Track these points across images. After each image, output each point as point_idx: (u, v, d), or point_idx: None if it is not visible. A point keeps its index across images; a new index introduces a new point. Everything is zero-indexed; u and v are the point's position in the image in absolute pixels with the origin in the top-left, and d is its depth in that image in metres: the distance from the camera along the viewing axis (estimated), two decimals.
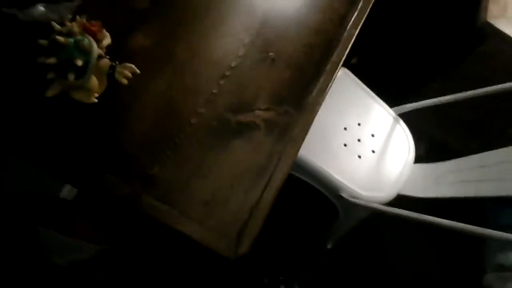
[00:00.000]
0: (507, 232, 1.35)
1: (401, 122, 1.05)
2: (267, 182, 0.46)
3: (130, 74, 0.41)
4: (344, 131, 0.98)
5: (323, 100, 0.54)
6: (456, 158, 0.92)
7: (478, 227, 0.69)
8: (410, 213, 0.81)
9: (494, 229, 1.42)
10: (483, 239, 1.31)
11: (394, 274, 1.24)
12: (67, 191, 1.02)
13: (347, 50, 0.59)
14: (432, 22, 1.11)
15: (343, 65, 1.16)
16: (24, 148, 0.44)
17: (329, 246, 1.18)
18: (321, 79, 0.55)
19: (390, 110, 1.06)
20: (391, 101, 1.08)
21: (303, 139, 0.51)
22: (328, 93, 0.99)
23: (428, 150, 1.36)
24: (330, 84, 0.57)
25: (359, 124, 1.01)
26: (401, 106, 1.05)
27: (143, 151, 0.44)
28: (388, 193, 0.94)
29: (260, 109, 0.50)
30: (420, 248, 1.30)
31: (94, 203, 0.92)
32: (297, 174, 0.94)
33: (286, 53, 0.56)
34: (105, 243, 0.85)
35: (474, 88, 0.90)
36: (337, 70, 0.57)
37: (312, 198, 1.06)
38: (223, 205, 0.43)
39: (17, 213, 0.78)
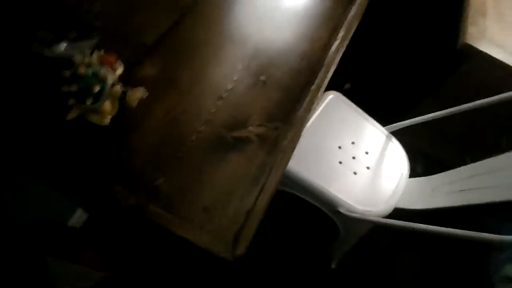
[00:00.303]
0: (510, 248, 1.35)
1: (394, 139, 1.10)
2: (260, 189, 0.51)
3: (139, 97, 0.48)
4: (339, 149, 1.03)
5: (309, 116, 0.60)
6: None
7: (478, 232, 0.71)
8: (407, 224, 0.83)
9: (496, 246, 1.41)
10: (488, 252, 1.30)
11: None
12: (76, 219, 1.07)
13: (330, 73, 0.66)
14: (416, 47, 1.19)
15: (337, 90, 1.24)
16: (43, 166, 0.50)
17: (333, 266, 1.19)
18: (307, 99, 0.61)
19: (383, 129, 1.11)
20: (384, 121, 1.14)
21: (292, 151, 0.56)
22: (322, 116, 1.06)
23: (425, 168, 1.39)
24: (315, 102, 0.64)
25: (353, 143, 1.06)
26: (393, 125, 1.11)
27: (149, 165, 0.50)
28: (384, 207, 0.97)
29: (253, 125, 0.55)
30: (425, 263, 1.29)
31: (101, 230, 0.96)
32: (297, 193, 0.99)
33: (275, 77, 0.62)
34: (109, 270, 0.88)
35: (459, 105, 0.95)
36: (321, 91, 0.63)
37: (313, 219, 1.09)
38: (221, 211, 0.48)
39: (27, 242, 0.82)
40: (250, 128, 0.55)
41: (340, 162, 1.01)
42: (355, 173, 1.01)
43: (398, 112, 1.15)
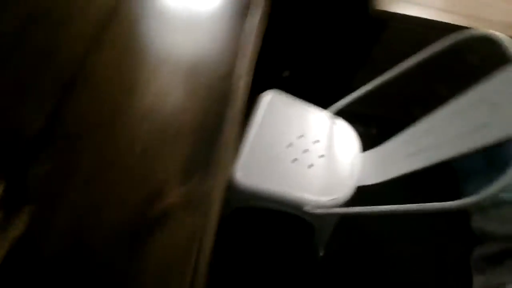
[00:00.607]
0: (476, 175, 1.37)
1: (338, 119, 1.07)
2: (197, 253, 0.47)
3: (27, 218, 0.42)
4: (290, 147, 1.00)
5: (232, 152, 0.56)
6: (404, 126, 0.93)
7: (438, 203, 0.69)
8: (373, 208, 0.82)
9: (463, 175, 1.43)
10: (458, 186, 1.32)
11: (389, 263, 1.22)
12: None
13: (242, 99, 0.61)
14: (332, 23, 1.14)
15: (276, 78, 1.18)
16: None
17: (321, 254, 1.18)
18: (225, 134, 0.56)
19: (326, 112, 1.08)
20: (328, 103, 1.10)
21: (221, 198, 0.52)
22: (264, 120, 1.02)
23: (379, 128, 1.39)
24: (235, 135, 0.59)
25: (301, 136, 1.03)
26: (335, 105, 1.08)
27: None
28: (347, 190, 0.95)
29: (172, 190, 0.50)
30: (408, 225, 1.29)
31: None
32: (260, 205, 0.96)
33: (184, 125, 0.57)
34: None
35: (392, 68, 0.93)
36: (237, 120, 0.59)
37: (287, 221, 1.07)
38: None
39: None
40: (170, 194, 0.50)
41: (294, 160, 0.98)
42: (311, 165, 0.99)
43: (338, 91, 1.12)
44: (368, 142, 1.04)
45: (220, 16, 0.71)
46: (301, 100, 1.08)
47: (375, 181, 0.91)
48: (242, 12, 0.71)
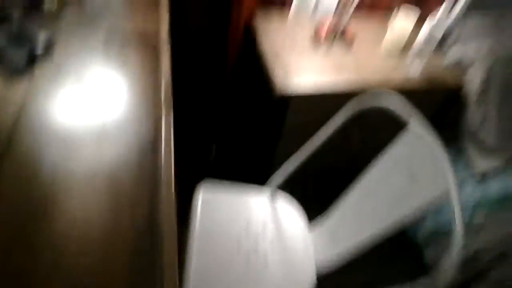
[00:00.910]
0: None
1: (279, 195, 1.01)
2: None
3: None
4: (240, 243, 0.89)
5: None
6: (339, 176, 0.88)
7: None
8: None
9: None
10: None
11: None
12: None
13: (174, 239, 0.50)
14: (244, 107, 1.13)
15: (204, 156, 1.07)
16: None
17: None
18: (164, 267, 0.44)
19: (265, 190, 1.01)
20: (259, 174, 1.04)
21: None
22: (204, 221, 0.89)
23: (315, 187, 1.37)
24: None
25: (248, 224, 0.93)
26: (272, 182, 1.01)
27: None
28: (310, 271, 0.87)
29: None
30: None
31: None
32: None
33: (110, 247, 0.44)
34: None
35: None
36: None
37: None
38: None
39: None
40: None
41: (247, 254, 0.87)
42: (265, 254, 0.88)
43: (264, 162, 1.09)
44: (307, 197, 1.02)
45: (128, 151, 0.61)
46: (235, 182, 1.01)
47: (333, 258, 0.85)
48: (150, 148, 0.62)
